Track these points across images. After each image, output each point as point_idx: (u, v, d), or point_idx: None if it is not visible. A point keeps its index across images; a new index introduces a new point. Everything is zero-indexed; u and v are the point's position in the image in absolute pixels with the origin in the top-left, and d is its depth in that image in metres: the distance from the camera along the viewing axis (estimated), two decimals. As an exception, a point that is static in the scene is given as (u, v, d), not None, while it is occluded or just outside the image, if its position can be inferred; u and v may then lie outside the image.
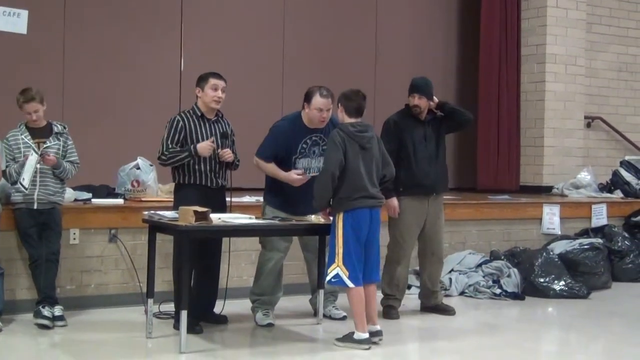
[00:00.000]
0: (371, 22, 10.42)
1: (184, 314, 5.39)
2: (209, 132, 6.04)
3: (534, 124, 10.63)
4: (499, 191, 10.02)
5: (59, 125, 6.19)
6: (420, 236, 6.75)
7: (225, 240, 6.45)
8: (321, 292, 6.30)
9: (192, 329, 5.68)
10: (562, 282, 7.79)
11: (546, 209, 8.92)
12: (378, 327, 5.73)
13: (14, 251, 6.29)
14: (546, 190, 10.29)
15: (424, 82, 6.63)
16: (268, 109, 8.93)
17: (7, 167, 6.00)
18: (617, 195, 9.99)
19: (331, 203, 5.68)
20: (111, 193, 7.25)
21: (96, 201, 6.91)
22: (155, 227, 5.79)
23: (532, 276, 7.81)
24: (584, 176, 10.07)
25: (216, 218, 5.55)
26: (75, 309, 6.38)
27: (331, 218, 5.71)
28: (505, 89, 10.56)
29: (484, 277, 7.82)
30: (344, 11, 10.24)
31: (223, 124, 6.17)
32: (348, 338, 5.64)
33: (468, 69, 11.00)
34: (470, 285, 7.72)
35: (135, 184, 7.22)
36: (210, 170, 6.02)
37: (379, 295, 6.23)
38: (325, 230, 5.87)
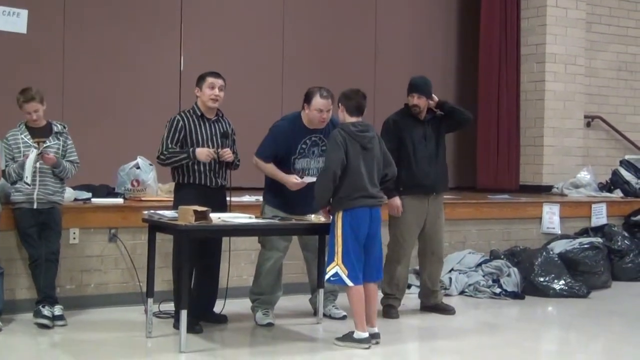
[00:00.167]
0: (370, 21, 10.42)
1: (183, 314, 5.39)
2: (209, 132, 6.04)
3: (534, 124, 10.63)
4: (499, 191, 10.03)
5: (58, 125, 6.19)
6: (420, 235, 6.75)
7: (225, 239, 6.45)
8: (321, 291, 6.30)
9: (192, 328, 5.69)
10: (562, 282, 7.79)
11: (546, 209, 8.92)
12: (376, 330, 5.73)
13: (13, 251, 6.30)
14: (546, 190, 10.29)
15: (423, 81, 6.63)
16: (268, 108, 8.93)
17: (6, 166, 6.01)
18: (617, 194, 10.00)
19: (331, 202, 5.69)
20: (111, 192, 7.25)
21: (96, 201, 6.91)
22: (155, 227, 5.79)
23: (532, 275, 7.81)
24: (584, 175, 10.07)
25: (216, 217, 5.55)
26: (75, 308, 6.38)
27: (331, 217, 5.72)
28: (505, 89, 10.56)
29: (483, 276, 7.82)
30: (343, 11, 10.24)
31: (223, 123, 6.17)
32: (348, 337, 5.64)
33: (468, 69, 11.00)
34: (470, 285, 7.72)
35: (135, 184, 7.22)
36: (210, 170, 6.02)
37: (379, 295, 6.22)
38: (324, 230, 5.87)
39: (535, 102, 10.62)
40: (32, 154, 5.90)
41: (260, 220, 5.91)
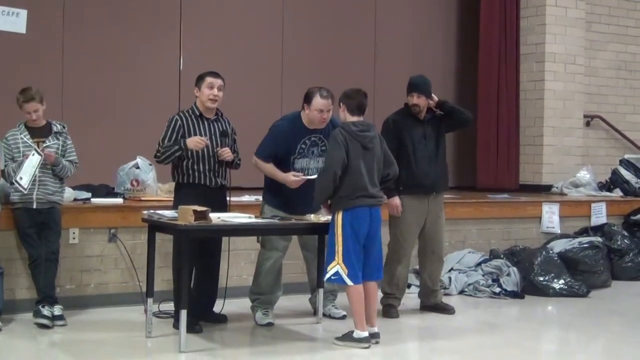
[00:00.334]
0: (370, 21, 10.42)
1: (183, 314, 5.39)
2: (208, 132, 6.04)
3: (534, 123, 10.63)
4: (499, 190, 10.02)
5: (58, 125, 6.19)
6: (420, 235, 6.76)
7: (224, 239, 6.45)
8: (321, 291, 6.31)
9: (192, 328, 5.69)
10: (562, 281, 7.79)
11: (546, 208, 8.92)
12: (376, 329, 5.73)
13: (13, 251, 6.30)
14: (546, 189, 10.29)
15: (422, 80, 6.63)
16: (267, 108, 8.93)
17: (5, 166, 6.00)
18: (617, 193, 10.00)
19: (330, 200, 5.69)
20: (110, 192, 7.25)
21: (95, 200, 6.91)
22: (155, 227, 5.79)
23: (531, 275, 7.81)
24: (584, 175, 10.07)
25: (215, 217, 5.55)
26: (75, 308, 6.39)
27: (331, 215, 5.72)
28: (505, 88, 10.56)
29: (483, 276, 7.82)
30: (343, 11, 10.24)
31: (223, 122, 6.17)
32: (347, 337, 5.65)
33: (467, 68, 10.99)
34: (469, 284, 7.72)
35: (135, 184, 7.22)
36: (209, 169, 6.02)
37: (379, 294, 6.22)
38: (324, 230, 5.87)
39: (535, 102, 10.62)
40: (34, 157, 5.89)
41: (259, 220, 5.91)
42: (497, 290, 7.65)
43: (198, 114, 6.06)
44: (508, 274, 7.80)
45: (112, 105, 8.70)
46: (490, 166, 10.53)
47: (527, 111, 10.67)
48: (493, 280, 7.77)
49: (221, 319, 6.26)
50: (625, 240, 8.90)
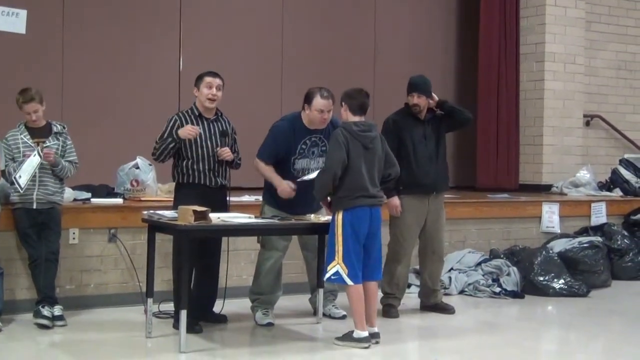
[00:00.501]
0: (370, 21, 10.42)
1: (183, 314, 5.39)
2: (207, 132, 6.04)
3: (533, 123, 10.63)
4: (499, 190, 10.03)
5: (58, 125, 6.19)
6: (421, 235, 6.76)
7: (224, 239, 6.45)
8: (321, 291, 6.30)
9: (192, 328, 5.68)
10: (562, 281, 7.79)
11: (545, 208, 8.92)
12: (376, 329, 5.73)
13: (13, 251, 6.30)
14: (545, 189, 10.29)
15: (422, 80, 6.63)
16: (267, 108, 8.94)
17: (6, 166, 6.00)
18: (617, 193, 10.00)
19: (331, 199, 5.70)
20: (110, 193, 7.25)
21: (95, 201, 6.91)
22: (155, 227, 5.79)
23: (531, 275, 7.81)
24: (583, 174, 10.07)
25: (215, 217, 5.55)
26: (75, 308, 6.39)
27: (331, 215, 5.72)
28: (505, 88, 10.56)
29: (483, 275, 7.82)
30: (343, 11, 10.24)
31: (223, 122, 6.17)
32: (347, 337, 5.65)
33: (467, 68, 11.00)
34: (469, 284, 7.72)
35: (135, 184, 7.22)
36: (209, 169, 6.02)
37: (379, 294, 6.22)
38: (324, 230, 5.87)
39: (535, 101, 10.62)
40: (35, 158, 5.89)
41: (259, 220, 5.91)
42: (497, 290, 7.65)
43: (197, 114, 6.06)
44: (508, 274, 7.80)
45: (112, 105, 8.70)
46: (490, 166, 10.53)
47: (527, 111, 10.67)
48: (493, 280, 7.77)
49: (221, 319, 6.26)
50: (625, 240, 8.91)
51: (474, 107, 10.06)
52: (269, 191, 6.30)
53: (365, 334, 5.60)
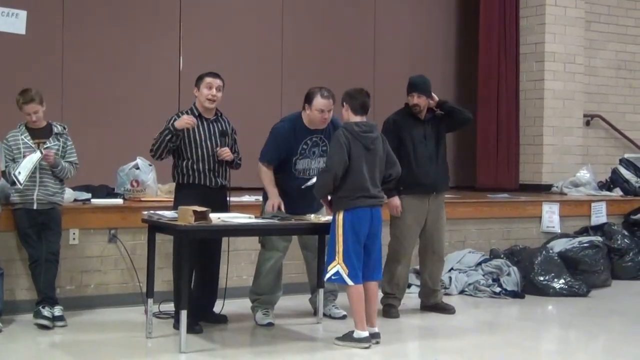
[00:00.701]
0: (370, 21, 10.42)
1: (183, 314, 5.39)
2: (207, 132, 6.04)
3: (533, 122, 10.63)
4: (499, 190, 10.03)
5: (58, 126, 6.19)
6: (421, 234, 6.76)
7: (224, 239, 6.45)
8: (321, 291, 6.31)
9: (192, 328, 5.69)
10: (562, 281, 7.79)
11: (546, 207, 8.92)
12: (376, 329, 5.73)
13: (13, 251, 6.30)
14: (545, 189, 10.29)
15: (422, 80, 6.63)
16: (267, 108, 8.95)
17: (6, 167, 6.00)
18: (617, 193, 10.00)
19: (332, 199, 5.70)
20: (110, 193, 7.25)
21: (95, 201, 6.92)
22: (155, 227, 5.79)
23: (531, 274, 7.81)
24: (583, 174, 10.07)
25: (215, 218, 5.55)
26: (75, 309, 6.38)
27: (332, 215, 5.72)
28: (505, 88, 10.56)
29: (483, 275, 7.82)
30: (343, 11, 10.24)
31: (222, 122, 6.17)
32: (348, 337, 5.65)
33: (467, 68, 10.99)
34: (470, 284, 7.72)
35: (135, 184, 7.22)
36: (209, 169, 6.02)
37: (380, 294, 6.22)
38: (324, 230, 5.87)
39: (535, 101, 10.62)
40: (35, 156, 5.89)
41: (260, 220, 5.90)
42: (498, 290, 7.65)
43: (197, 114, 6.06)
44: (508, 274, 7.80)
45: (112, 105, 8.70)
46: (490, 166, 10.53)
47: (527, 111, 10.67)
48: (493, 280, 7.77)
49: (221, 319, 6.26)
50: (626, 240, 8.90)
51: (474, 107, 10.07)
52: (269, 191, 6.31)
53: (366, 334, 5.60)
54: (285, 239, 6.28)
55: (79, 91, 8.51)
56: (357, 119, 5.70)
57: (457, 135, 9.82)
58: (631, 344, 6.04)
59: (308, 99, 6.08)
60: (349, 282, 5.58)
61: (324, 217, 6.01)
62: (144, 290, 6.06)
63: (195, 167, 6.00)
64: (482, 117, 10.50)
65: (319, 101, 6.02)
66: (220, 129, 6.11)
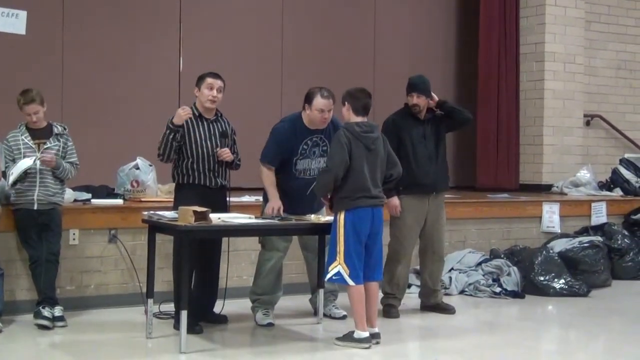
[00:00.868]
0: (370, 21, 10.42)
1: (183, 314, 5.39)
2: (207, 132, 6.04)
3: (533, 122, 10.63)
4: (499, 190, 10.03)
5: (59, 127, 6.19)
6: (421, 234, 6.76)
7: (224, 239, 6.45)
8: (321, 291, 6.30)
9: (192, 328, 5.68)
10: (562, 281, 7.79)
11: (546, 207, 8.92)
12: (376, 330, 5.73)
13: (13, 252, 6.30)
14: (546, 189, 10.29)
15: (422, 80, 6.63)
16: (267, 109, 8.95)
17: (6, 167, 6.01)
18: (617, 193, 10.00)
19: (332, 200, 5.70)
20: (111, 193, 7.25)
21: (96, 201, 6.92)
22: (155, 227, 5.79)
23: (532, 274, 7.81)
24: (584, 174, 10.07)
25: (215, 218, 5.55)
26: (75, 309, 6.38)
27: (333, 216, 5.72)
28: (505, 88, 10.56)
29: (483, 275, 7.82)
30: (343, 11, 10.24)
31: (222, 123, 6.17)
32: (348, 337, 5.65)
33: (467, 68, 10.99)
34: (470, 284, 7.72)
35: (135, 184, 7.22)
36: (209, 170, 6.02)
37: (380, 295, 6.22)
38: (324, 230, 5.87)
39: (535, 101, 10.62)
40: (26, 162, 5.89)
41: (260, 221, 5.90)
42: (498, 290, 7.65)
43: (197, 114, 6.06)
44: (508, 274, 7.80)
45: (112, 106, 8.70)
46: (490, 166, 10.53)
47: (527, 111, 10.68)
48: (493, 280, 7.77)
49: (221, 319, 6.26)
50: (626, 240, 8.90)
51: (473, 107, 10.07)
52: (269, 192, 6.30)
53: (366, 334, 5.60)
54: (285, 239, 6.28)
55: (79, 91, 8.51)
56: (358, 119, 5.70)
57: (457, 135, 9.82)
58: (631, 344, 6.04)
59: (308, 99, 6.08)
60: (350, 282, 5.58)
61: (324, 217, 6.01)
62: (144, 290, 6.06)
63: (195, 167, 6.00)
64: (482, 117, 10.50)
65: (319, 101, 6.02)
66: (220, 129, 6.11)
